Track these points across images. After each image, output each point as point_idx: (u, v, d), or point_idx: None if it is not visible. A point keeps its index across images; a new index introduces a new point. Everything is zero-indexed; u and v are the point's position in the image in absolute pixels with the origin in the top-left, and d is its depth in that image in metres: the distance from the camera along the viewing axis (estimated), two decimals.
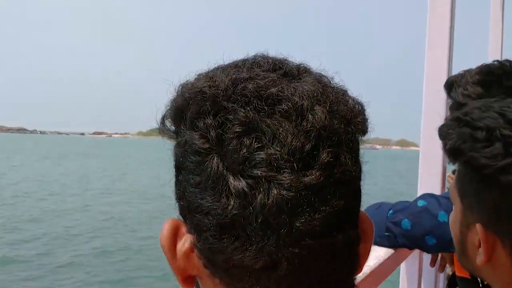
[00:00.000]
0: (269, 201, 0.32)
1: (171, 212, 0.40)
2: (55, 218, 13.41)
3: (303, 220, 0.33)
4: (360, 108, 0.38)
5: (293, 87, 0.35)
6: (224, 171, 0.33)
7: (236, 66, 0.39)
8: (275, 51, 0.41)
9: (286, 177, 0.32)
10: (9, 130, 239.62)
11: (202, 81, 0.37)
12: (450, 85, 1.20)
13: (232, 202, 0.33)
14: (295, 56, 0.41)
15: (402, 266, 1.50)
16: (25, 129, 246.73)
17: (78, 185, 22.15)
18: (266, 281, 0.34)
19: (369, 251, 0.41)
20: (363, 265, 0.40)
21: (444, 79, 1.33)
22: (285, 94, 0.34)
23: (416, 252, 1.39)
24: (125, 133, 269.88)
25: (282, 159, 0.33)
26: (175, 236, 0.38)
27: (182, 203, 0.38)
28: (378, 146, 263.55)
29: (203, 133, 0.35)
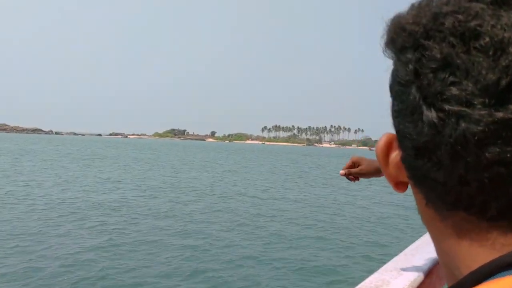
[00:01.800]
0: (455, 134, 0.34)
1: None
2: None
3: (492, 151, 0.33)
4: None
5: (497, 18, 0.34)
6: (420, 101, 0.36)
7: None
8: None
9: (475, 112, 0.33)
10: (24, 130, 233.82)
11: (407, 17, 0.39)
12: None
13: (425, 130, 0.35)
14: None
15: None
16: (40, 130, 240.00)
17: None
18: (457, 194, 0.36)
19: None
20: None
21: None
22: (483, 28, 0.34)
23: None
24: (142, 134, 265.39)
25: (473, 95, 0.33)
26: (388, 148, 0.42)
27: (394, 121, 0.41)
28: None
29: (405, 66, 0.37)
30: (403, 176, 0.41)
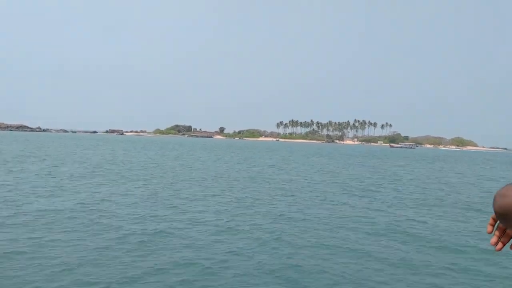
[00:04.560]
0: None
1: None
2: None
3: None
4: None
5: None
6: None
7: None
8: None
9: None
10: (8, 127, 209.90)
11: None
12: None
13: None
14: None
15: None
16: (26, 127, 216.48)
17: None
18: None
19: None
20: None
21: None
22: None
23: None
24: (141, 131, 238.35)
25: None
26: None
27: None
28: (428, 145, 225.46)
29: None
30: None
